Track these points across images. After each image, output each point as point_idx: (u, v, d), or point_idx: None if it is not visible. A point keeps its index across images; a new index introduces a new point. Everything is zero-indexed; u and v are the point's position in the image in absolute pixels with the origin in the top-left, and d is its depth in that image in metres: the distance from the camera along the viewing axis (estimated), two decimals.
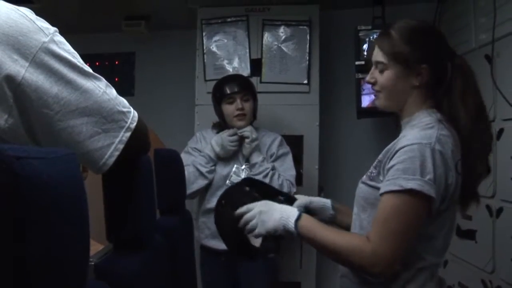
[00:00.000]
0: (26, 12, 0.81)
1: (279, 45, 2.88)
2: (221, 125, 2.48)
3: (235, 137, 2.36)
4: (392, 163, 1.23)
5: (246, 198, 1.47)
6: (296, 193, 2.33)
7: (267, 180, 2.28)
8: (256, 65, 2.89)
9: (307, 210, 1.53)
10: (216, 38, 2.95)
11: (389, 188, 1.20)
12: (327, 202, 1.56)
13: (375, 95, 1.41)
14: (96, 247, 1.36)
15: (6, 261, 0.53)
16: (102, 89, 0.87)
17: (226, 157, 2.39)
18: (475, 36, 2.30)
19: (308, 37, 2.84)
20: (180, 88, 3.31)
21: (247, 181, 1.63)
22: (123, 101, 0.93)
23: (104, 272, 1.07)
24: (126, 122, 0.91)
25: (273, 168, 2.35)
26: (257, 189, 1.56)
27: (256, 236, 1.43)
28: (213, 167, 2.39)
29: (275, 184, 2.28)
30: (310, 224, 1.31)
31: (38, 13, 0.84)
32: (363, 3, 2.89)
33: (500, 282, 1.95)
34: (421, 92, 1.34)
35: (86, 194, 0.66)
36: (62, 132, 0.83)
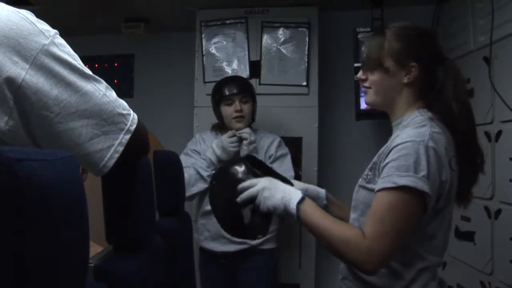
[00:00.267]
0: (26, 14, 0.81)
1: (278, 47, 2.88)
2: (220, 127, 2.48)
3: (234, 138, 2.36)
4: (386, 161, 1.25)
5: (247, 174, 1.46)
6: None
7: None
8: (255, 67, 2.89)
9: None
10: (215, 40, 2.95)
11: (384, 186, 1.21)
12: (321, 192, 1.57)
13: (364, 92, 1.42)
14: (95, 249, 1.36)
15: (6, 262, 0.53)
16: (102, 92, 0.88)
17: (226, 160, 2.39)
18: (474, 38, 2.30)
19: (307, 39, 2.85)
20: (179, 90, 3.32)
21: (249, 158, 1.61)
22: (123, 103, 0.93)
23: (104, 274, 1.07)
24: (126, 125, 0.91)
25: None
26: (258, 167, 1.54)
27: (252, 211, 1.42)
28: (213, 171, 2.39)
29: None
30: (311, 210, 1.30)
31: (38, 15, 0.84)
32: (362, 5, 2.89)
33: (499, 284, 1.96)
34: (411, 93, 1.35)
35: (86, 196, 0.66)
36: (62, 134, 0.83)
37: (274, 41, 2.89)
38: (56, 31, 0.84)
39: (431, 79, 1.34)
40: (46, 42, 0.81)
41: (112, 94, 0.91)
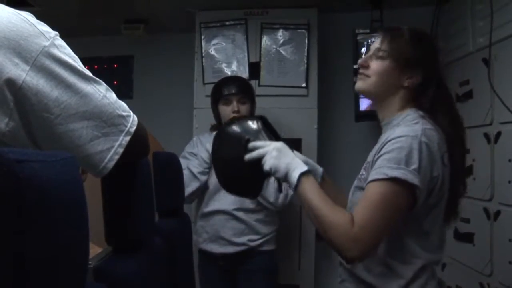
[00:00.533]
0: (27, 16, 0.82)
1: (278, 48, 2.88)
2: (217, 127, 2.48)
3: None
4: (379, 154, 1.26)
5: (261, 133, 1.46)
6: (293, 197, 2.34)
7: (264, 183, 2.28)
8: (254, 68, 2.90)
9: None
10: (214, 41, 2.95)
11: (375, 177, 1.22)
12: (319, 169, 1.57)
13: (359, 78, 1.42)
14: (95, 250, 1.36)
15: (6, 263, 0.53)
16: (102, 93, 0.88)
17: None
18: (473, 39, 2.30)
19: (306, 41, 2.85)
20: (179, 91, 3.32)
21: (261, 118, 1.57)
22: (123, 105, 0.93)
23: (103, 275, 1.07)
24: (126, 126, 0.91)
25: None
26: (270, 130, 1.53)
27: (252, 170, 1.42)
28: (206, 169, 2.39)
29: (272, 187, 2.29)
30: (311, 185, 1.30)
31: (38, 16, 0.85)
32: (361, 6, 2.90)
33: (498, 285, 1.96)
34: (405, 96, 1.37)
35: (85, 197, 0.66)
36: (62, 136, 0.84)
37: (274, 42, 2.89)
38: (56, 32, 0.84)
39: (426, 91, 1.37)
40: (47, 43, 0.81)
41: (112, 95, 0.91)
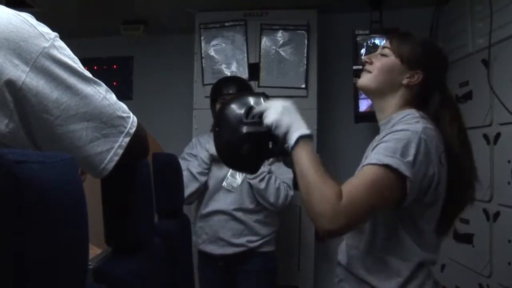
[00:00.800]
0: (27, 17, 0.82)
1: (277, 49, 2.89)
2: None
3: None
4: (378, 143, 1.26)
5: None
6: (294, 197, 2.34)
7: (263, 184, 2.28)
8: (254, 70, 2.90)
9: None
10: (214, 42, 2.96)
11: (369, 161, 1.21)
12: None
13: (362, 74, 1.43)
14: (94, 251, 1.36)
15: (6, 263, 0.53)
16: (102, 95, 0.88)
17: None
18: (472, 40, 2.31)
19: (306, 42, 2.85)
20: (178, 92, 3.32)
21: (264, 94, 1.51)
22: (123, 106, 0.93)
23: (103, 275, 1.07)
24: (126, 127, 0.91)
25: (269, 172, 2.35)
26: None
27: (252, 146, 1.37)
28: (206, 170, 2.39)
29: (272, 187, 2.29)
30: (308, 151, 1.26)
31: (37, 17, 0.85)
32: (361, 7, 2.90)
33: (497, 286, 1.96)
34: (404, 96, 1.38)
35: (85, 198, 0.66)
36: (62, 137, 0.84)
37: (273, 43, 2.89)
38: (56, 34, 0.84)
39: (426, 96, 1.38)
40: (46, 45, 0.81)
41: (112, 97, 0.91)
